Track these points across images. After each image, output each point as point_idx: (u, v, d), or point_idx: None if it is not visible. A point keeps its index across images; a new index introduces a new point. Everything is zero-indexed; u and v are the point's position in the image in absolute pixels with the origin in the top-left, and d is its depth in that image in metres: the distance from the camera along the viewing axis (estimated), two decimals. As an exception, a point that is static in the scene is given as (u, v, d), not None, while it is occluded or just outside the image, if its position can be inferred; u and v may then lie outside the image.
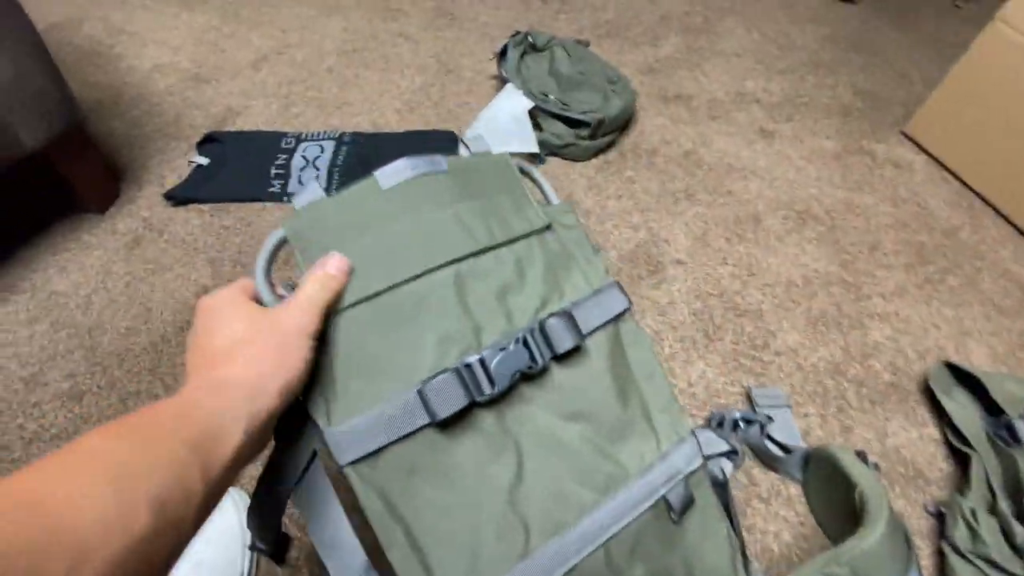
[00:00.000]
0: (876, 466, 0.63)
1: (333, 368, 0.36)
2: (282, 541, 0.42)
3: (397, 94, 1.16)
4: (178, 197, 0.91)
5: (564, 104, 1.04)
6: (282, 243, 0.41)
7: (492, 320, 0.40)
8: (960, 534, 0.60)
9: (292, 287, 0.41)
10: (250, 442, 0.30)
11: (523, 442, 0.38)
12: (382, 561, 0.34)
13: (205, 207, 0.92)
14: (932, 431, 0.72)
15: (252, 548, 0.46)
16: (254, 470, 0.49)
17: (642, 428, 0.42)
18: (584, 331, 0.42)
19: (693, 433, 0.44)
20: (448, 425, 0.37)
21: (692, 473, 0.43)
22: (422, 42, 1.30)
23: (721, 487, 0.46)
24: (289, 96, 1.13)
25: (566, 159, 1.04)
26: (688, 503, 0.42)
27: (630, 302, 0.46)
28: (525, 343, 0.39)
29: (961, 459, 0.69)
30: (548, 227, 0.46)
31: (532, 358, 0.39)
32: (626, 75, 1.11)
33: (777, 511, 0.64)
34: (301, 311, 0.34)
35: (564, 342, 0.40)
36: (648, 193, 0.99)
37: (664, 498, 0.41)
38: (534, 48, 1.14)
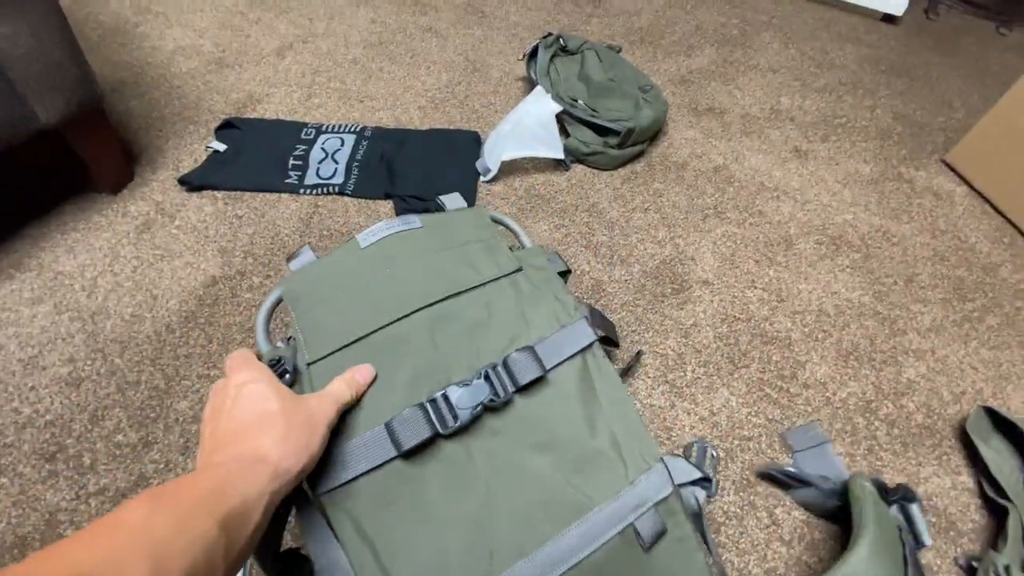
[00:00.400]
0: (899, 499, 0.59)
1: None
2: (285, 563, 0.39)
3: (422, 90, 1.13)
4: (192, 182, 0.89)
5: (593, 111, 1.01)
6: (279, 301, 0.48)
7: (461, 358, 0.44)
8: (992, 592, 0.56)
9: (288, 340, 0.47)
10: (265, 521, 0.31)
11: (490, 473, 0.40)
12: None
13: (219, 194, 0.89)
14: (966, 479, 0.68)
15: None
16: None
17: (610, 457, 0.43)
18: (550, 364, 0.45)
19: (663, 461, 0.44)
20: (415, 456, 0.40)
21: (662, 501, 0.42)
22: (450, 38, 1.28)
23: (696, 517, 0.45)
24: (312, 86, 1.11)
25: (592, 167, 1.00)
26: (659, 532, 0.41)
27: (597, 335, 0.48)
28: (487, 378, 0.43)
29: (996, 511, 0.65)
30: (519, 270, 0.51)
31: (495, 392, 0.42)
32: (658, 84, 1.07)
33: (800, 555, 0.60)
34: (328, 403, 0.38)
35: (526, 375, 0.43)
36: (676, 208, 0.95)
37: (632, 526, 0.40)
38: (565, 51, 1.11)
